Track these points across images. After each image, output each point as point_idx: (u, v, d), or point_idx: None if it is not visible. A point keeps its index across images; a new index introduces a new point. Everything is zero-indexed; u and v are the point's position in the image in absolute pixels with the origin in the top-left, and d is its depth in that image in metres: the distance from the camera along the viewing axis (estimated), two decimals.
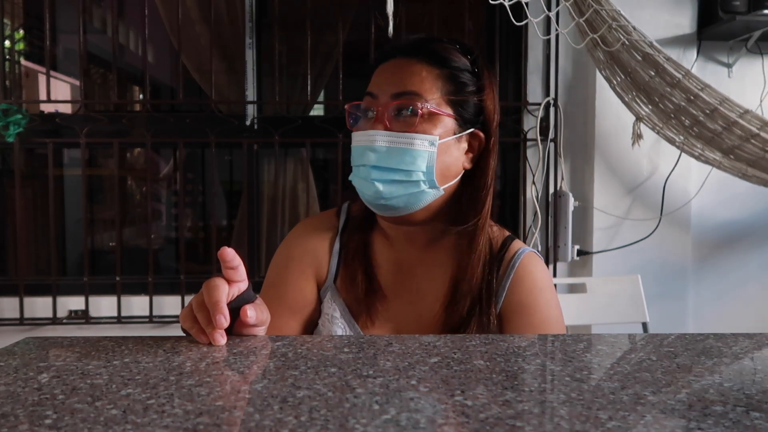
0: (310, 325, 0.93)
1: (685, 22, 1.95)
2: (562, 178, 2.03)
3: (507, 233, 0.93)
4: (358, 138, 0.84)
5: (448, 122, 0.83)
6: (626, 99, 1.81)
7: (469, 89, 0.85)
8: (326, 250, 0.93)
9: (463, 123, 0.85)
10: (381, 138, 0.81)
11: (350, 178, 0.87)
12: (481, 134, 0.86)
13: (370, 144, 0.82)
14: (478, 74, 0.86)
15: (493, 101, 0.87)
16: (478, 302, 0.85)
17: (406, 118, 0.82)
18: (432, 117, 0.82)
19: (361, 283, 0.88)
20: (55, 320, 1.96)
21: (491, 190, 0.88)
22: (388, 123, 0.82)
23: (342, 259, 0.92)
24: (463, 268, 0.86)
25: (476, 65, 0.86)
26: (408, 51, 0.85)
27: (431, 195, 0.84)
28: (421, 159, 0.81)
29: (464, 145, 0.86)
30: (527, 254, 0.89)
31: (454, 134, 0.84)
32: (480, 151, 0.87)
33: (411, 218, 0.86)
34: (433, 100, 0.82)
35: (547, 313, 0.87)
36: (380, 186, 0.82)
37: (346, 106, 0.89)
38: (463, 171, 0.87)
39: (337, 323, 0.88)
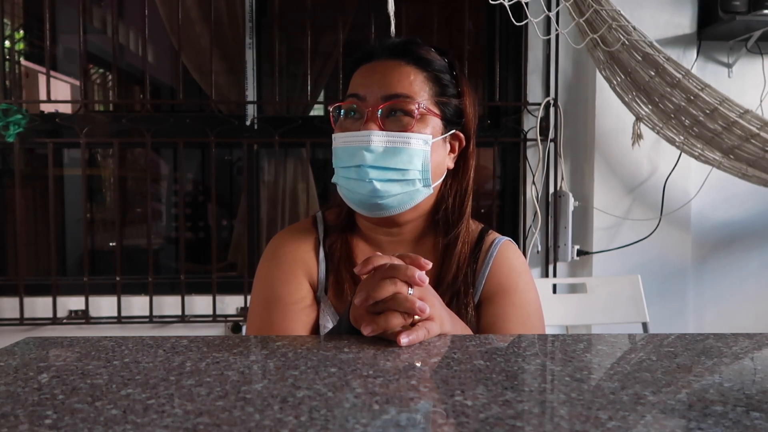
0: (317, 329, 0.92)
1: (685, 22, 1.95)
2: (562, 178, 2.02)
3: (481, 225, 0.96)
4: (349, 139, 0.83)
5: (437, 123, 0.85)
6: (626, 99, 1.81)
7: (451, 91, 0.87)
8: (313, 259, 0.90)
9: (447, 124, 0.87)
10: (377, 138, 0.81)
11: (335, 180, 0.87)
12: (462, 135, 0.89)
13: (365, 144, 0.81)
14: (457, 77, 0.89)
15: (472, 104, 0.90)
16: (456, 294, 0.87)
17: (398, 118, 0.82)
18: (423, 117, 0.83)
19: (349, 291, 0.87)
20: (55, 320, 1.96)
21: (472, 191, 0.92)
22: (381, 123, 0.82)
23: (328, 268, 0.90)
24: (445, 264, 0.88)
25: (453, 69, 0.89)
26: (392, 53, 0.86)
27: (423, 194, 0.86)
28: (417, 158, 0.83)
29: (447, 146, 0.89)
30: (504, 242, 0.93)
31: (442, 134, 0.86)
32: (459, 152, 0.90)
33: (398, 218, 0.87)
34: (423, 101, 0.83)
35: (527, 296, 0.90)
36: (378, 185, 0.82)
37: (329, 108, 0.89)
38: (446, 171, 0.90)
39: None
